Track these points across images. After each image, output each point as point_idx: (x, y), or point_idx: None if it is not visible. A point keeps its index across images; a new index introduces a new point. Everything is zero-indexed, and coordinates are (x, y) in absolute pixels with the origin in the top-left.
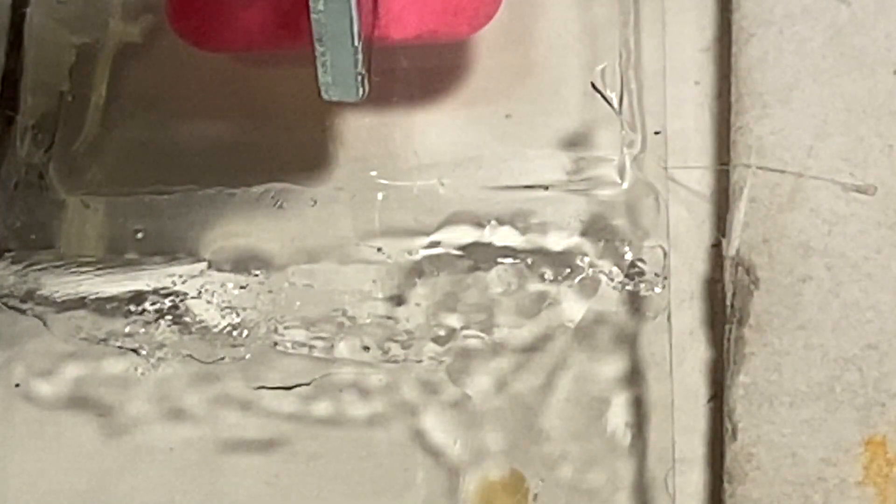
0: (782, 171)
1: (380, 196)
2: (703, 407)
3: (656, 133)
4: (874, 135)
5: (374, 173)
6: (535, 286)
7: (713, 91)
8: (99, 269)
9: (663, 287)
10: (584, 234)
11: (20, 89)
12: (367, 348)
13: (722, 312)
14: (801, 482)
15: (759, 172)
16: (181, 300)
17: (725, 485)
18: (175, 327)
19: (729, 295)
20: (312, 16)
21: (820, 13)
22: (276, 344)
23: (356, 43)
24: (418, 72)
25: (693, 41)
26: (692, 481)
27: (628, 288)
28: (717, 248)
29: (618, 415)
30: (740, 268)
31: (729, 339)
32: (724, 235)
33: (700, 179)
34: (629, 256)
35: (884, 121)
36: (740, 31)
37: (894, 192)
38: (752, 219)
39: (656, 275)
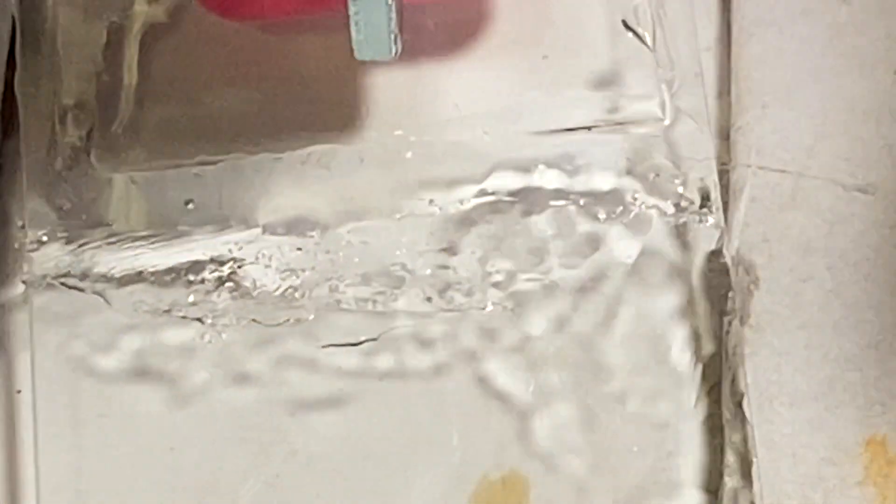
0: (782, 171)
1: (422, 150)
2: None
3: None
4: (874, 135)
5: (416, 128)
6: (587, 226)
7: (713, 91)
8: (153, 242)
9: (715, 218)
10: (630, 171)
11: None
12: (429, 299)
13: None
14: (802, 482)
15: (759, 172)
16: (239, 266)
17: (726, 483)
18: (236, 293)
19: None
20: None
21: (820, 13)
22: (339, 301)
23: (389, 1)
24: (446, 26)
25: None
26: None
27: (682, 220)
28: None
29: (679, 347)
30: (740, 267)
31: (729, 341)
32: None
33: None
34: (680, 190)
35: (884, 121)
36: (740, 31)
37: (894, 192)
38: (752, 218)
39: (707, 207)
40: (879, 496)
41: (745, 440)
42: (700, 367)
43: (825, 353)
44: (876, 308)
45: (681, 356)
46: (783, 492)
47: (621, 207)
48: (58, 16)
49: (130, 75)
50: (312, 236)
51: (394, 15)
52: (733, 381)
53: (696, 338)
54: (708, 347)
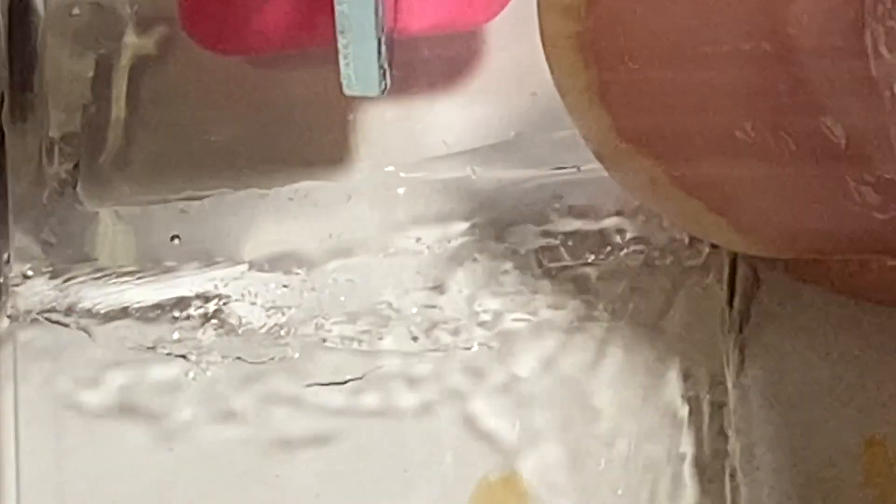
0: None
1: (411, 187)
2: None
3: None
4: None
5: (403, 164)
6: (576, 266)
7: None
8: (139, 277)
9: (706, 256)
10: (620, 211)
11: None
12: (415, 338)
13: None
14: (801, 482)
15: None
16: (225, 303)
17: (735, 434)
18: (221, 330)
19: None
20: (337, 7)
21: None
22: (324, 340)
23: (379, 34)
24: (438, 62)
25: None
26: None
27: (668, 260)
28: (717, 247)
29: (671, 386)
30: (742, 268)
31: (729, 341)
32: None
33: None
34: (668, 231)
35: None
36: None
37: None
38: None
39: (697, 244)
40: (880, 497)
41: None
42: (689, 408)
43: (825, 353)
44: (876, 307)
45: (673, 395)
46: (783, 492)
47: (609, 247)
48: (46, 48)
49: (118, 108)
50: (299, 273)
51: (383, 50)
52: (721, 428)
53: (686, 379)
54: (699, 390)
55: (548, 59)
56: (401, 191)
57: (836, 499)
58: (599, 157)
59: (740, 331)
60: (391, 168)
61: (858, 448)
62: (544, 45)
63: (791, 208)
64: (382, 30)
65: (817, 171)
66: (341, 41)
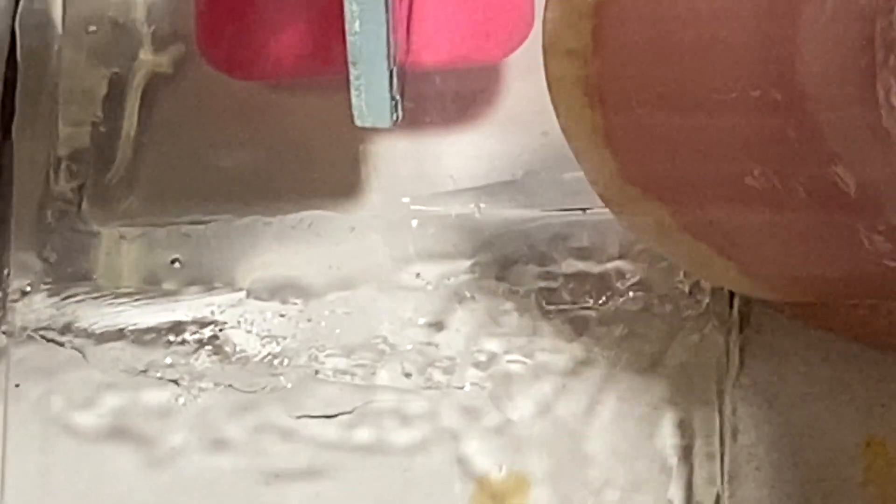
0: None
1: (416, 222)
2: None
3: None
4: None
5: (409, 199)
6: (575, 309)
7: None
8: (136, 299)
9: (705, 306)
10: (622, 256)
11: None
12: (408, 375)
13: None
14: (802, 482)
15: None
16: (220, 330)
17: (725, 485)
18: (215, 357)
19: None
20: (348, 38)
21: None
22: (316, 372)
23: (391, 66)
24: (451, 96)
25: None
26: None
27: (668, 308)
28: (716, 297)
29: (664, 436)
30: None
31: (729, 341)
32: None
33: None
34: (671, 276)
35: None
36: None
37: None
38: None
39: (697, 294)
40: (880, 497)
41: None
42: (679, 456)
43: (825, 353)
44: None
45: (665, 444)
46: (783, 492)
47: (610, 292)
48: (61, 64)
49: (129, 126)
50: (296, 303)
51: (395, 80)
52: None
53: (679, 428)
54: (692, 440)
55: (553, 101)
56: (414, 223)
57: (836, 499)
58: (605, 201)
59: (740, 331)
60: (395, 202)
61: (858, 448)
62: (550, 88)
63: (800, 254)
64: (394, 61)
65: (827, 218)
66: (353, 72)
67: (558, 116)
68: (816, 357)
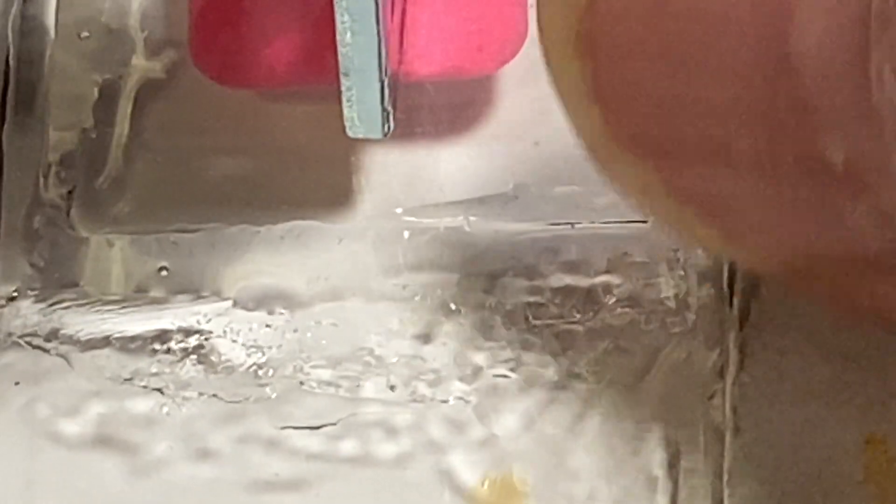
0: None
1: (405, 234)
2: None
3: None
4: None
5: (399, 210)
6: (562, 323)
7: None
8: (123, 307)
9: (692, 323)
10: (610, 271)
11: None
12: (393, 387)
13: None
14: (802, 481)
15: None
16: (206, 339)
17: (725, 484)
18: (200, 366)
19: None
20: (340, 49)
21: None
22: (301, 383)
23: (383, 77)
24: (443, 107)
25: None
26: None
27: (654, 324)
28: (704, 315)
29: (650, 451)
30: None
31: (729, 339)
32: None
33: None
34: (658, 292)
35: None
36: None
37: None
38: None
39: (684, 310)
40: (880, 495)
41: None
42: (664, 471)
43: (825, 352)
44: None
45: (652, 461)
46: (783, 490)
47: (597, 306)
48: (53, 69)
49: (121, 131)
50: (283, 314)
51: (387, 91)
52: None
53: (664, 444)
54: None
55: (544, 48)
56: (406, 234)
57: (836, 496)
58: (591, 157)
59: (740, 329)
60: (398, 210)
61: (858, 446)
62: (541, 33)
63: (784, 225)
64: (386, 72)
65: (812, 192)
66: (344, 83)
67: (548, 66)
68: (816, 355)
